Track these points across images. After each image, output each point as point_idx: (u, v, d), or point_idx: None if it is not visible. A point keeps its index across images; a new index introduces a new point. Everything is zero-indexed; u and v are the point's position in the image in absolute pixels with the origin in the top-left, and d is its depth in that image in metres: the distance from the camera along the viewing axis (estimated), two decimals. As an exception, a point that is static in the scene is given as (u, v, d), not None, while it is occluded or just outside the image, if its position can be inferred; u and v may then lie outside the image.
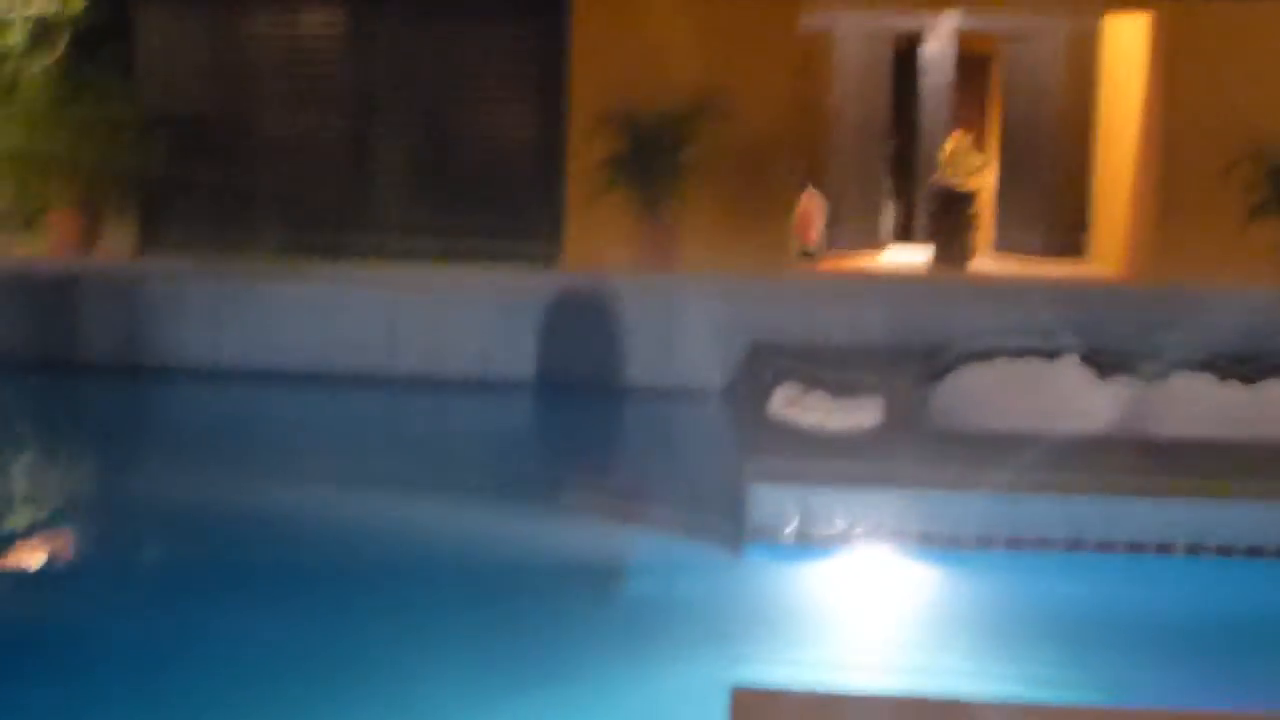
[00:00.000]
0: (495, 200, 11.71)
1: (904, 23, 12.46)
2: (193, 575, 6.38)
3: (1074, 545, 6.41)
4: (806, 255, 11.64)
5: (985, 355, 7.66)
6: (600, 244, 11.03)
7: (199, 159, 11.72)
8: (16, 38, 11.09)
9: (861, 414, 7.02)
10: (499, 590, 6.08)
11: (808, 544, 6.45)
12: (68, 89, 11.69)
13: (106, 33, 12.00)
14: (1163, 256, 10.85)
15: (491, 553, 6.50)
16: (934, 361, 8.01)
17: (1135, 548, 6.42)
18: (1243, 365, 7.83)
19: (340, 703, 5.04)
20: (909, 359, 8.57)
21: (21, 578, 6.45)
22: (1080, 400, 7.24)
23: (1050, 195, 12.41)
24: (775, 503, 6.46)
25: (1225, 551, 6.42)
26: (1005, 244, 12.46)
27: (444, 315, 9.78)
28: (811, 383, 7.31)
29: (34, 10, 10.67)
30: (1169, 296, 9.81)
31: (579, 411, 9.66)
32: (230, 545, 6.74)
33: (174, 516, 7.22)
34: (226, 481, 7.72)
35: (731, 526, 6.59)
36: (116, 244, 11.82)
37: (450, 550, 6.54)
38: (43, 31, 11.26)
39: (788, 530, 6.44)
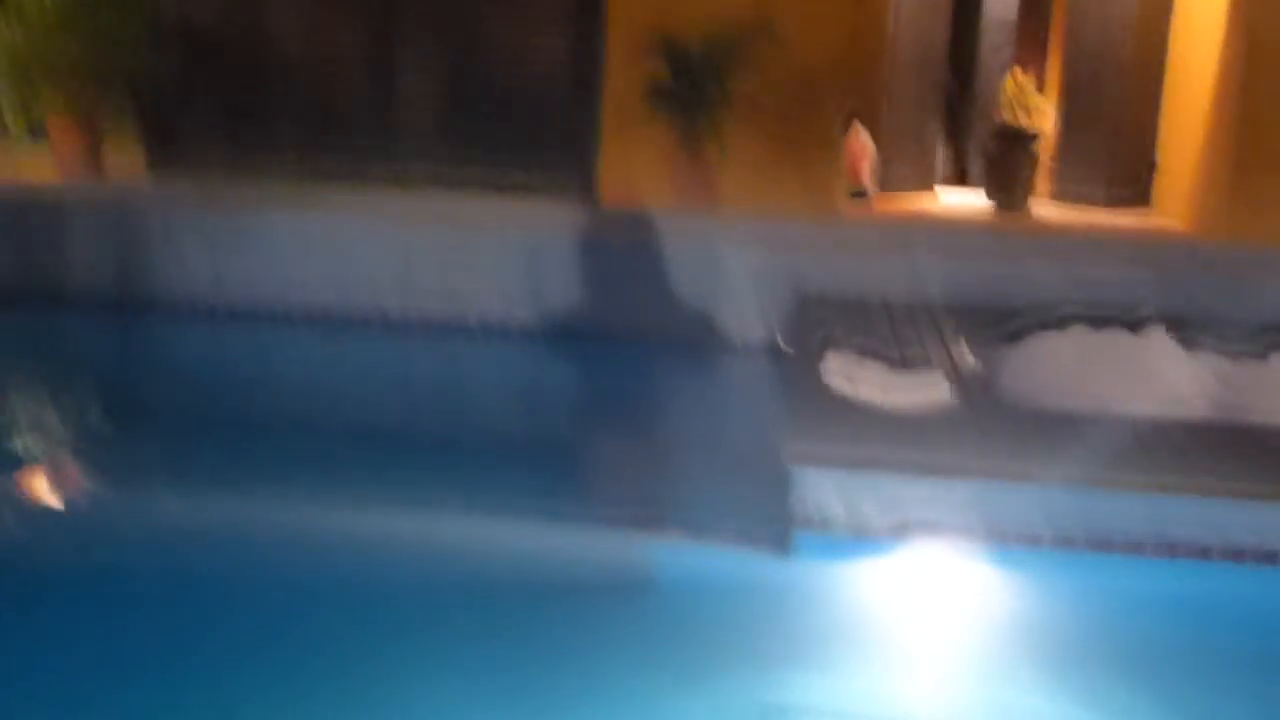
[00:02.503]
0: (524, 128, 10.75)
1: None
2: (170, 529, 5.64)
3: (1167, 549, 5.52)
4: (856, 196, 10.70)
5: (1060, 323, 6.70)
6: (636, 178, 10.15)
7: (211, 73, 10.76)
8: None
9: (924, 390, 6.08)
10: (503, 587, 5.15)
11: (863, 537, 5.56)
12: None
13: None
14: (1236, 209, 9.88)
15: (490, 538, 5.59)
16: (1002, 328, 7.06)
17: (1235, 554, 5.52)
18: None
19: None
20: (971, 319, 7.63)
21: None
22: (1167, 378, 6.29)
23: (1115, 141, 11.35)
24: (826, 490, 5.56)
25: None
26: (1065, 193, 11.45)
27: (463, 252, 8.85)
28: (867, 352, 6.37)
29: None
30: (1254, 258, 8.82)
31: (603, 365, 8.70)
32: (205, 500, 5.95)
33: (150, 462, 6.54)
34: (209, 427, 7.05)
35: (776, 514, 5.69)
36: (122, 163, 10.98)
37: (447, 533, 5.62)
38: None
39: (840, 521, 5.56)
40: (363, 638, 4.70)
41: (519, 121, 10.75)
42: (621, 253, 8.92)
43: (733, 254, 8.77)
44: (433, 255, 8.87)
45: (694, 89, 9.88)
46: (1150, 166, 11.52)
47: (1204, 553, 5.51)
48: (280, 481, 6.20)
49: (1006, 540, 5.53)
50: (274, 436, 7.08)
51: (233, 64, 10.89)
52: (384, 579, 5.15)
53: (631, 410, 8.13)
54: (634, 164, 10.17)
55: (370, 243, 8.93)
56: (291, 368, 8.49)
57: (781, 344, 8.35)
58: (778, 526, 5.59)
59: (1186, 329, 6.75)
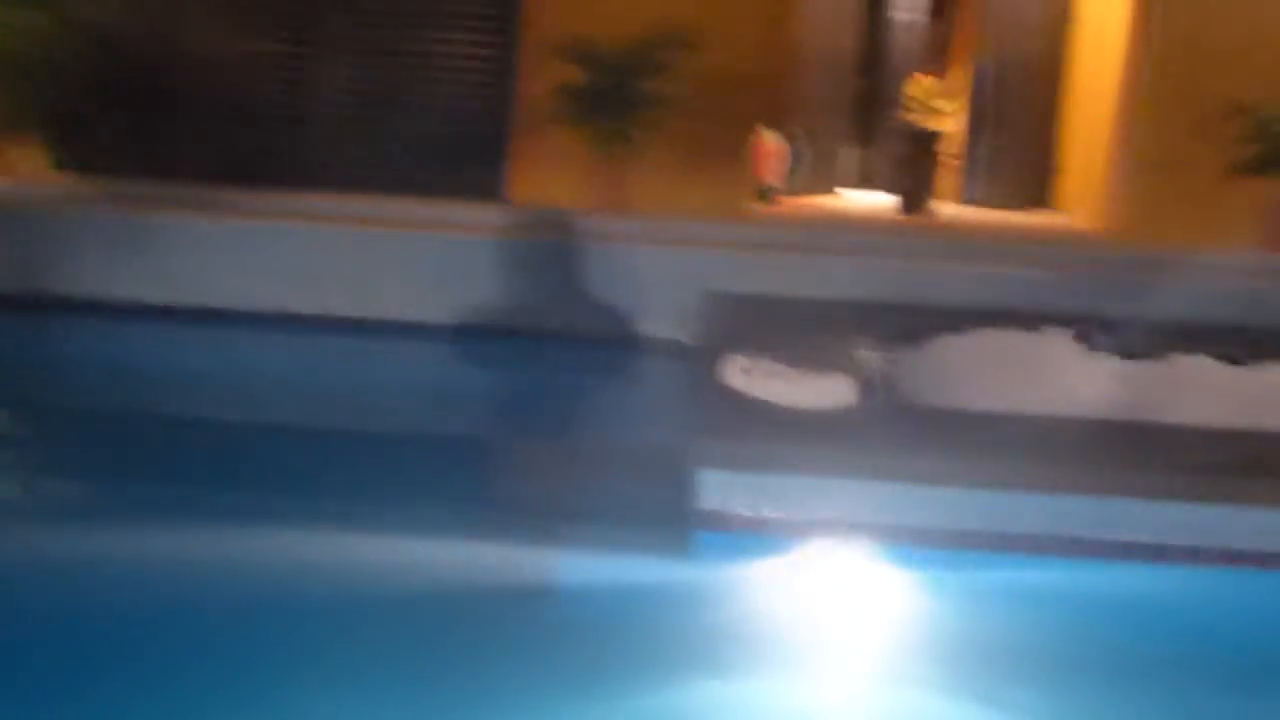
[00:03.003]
0: (437, 129, 10.52)
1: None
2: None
3: (1062, 546, 5.43)
4: (764, 196, 10.58)
5: (964, 324, 6.59)
6: (548, 180, 9.97)
7: (120, 75, 10.35)
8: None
9: (826, 390, 5.94)
10: (399, 592, 4.91)
11: (764, 536, 5.41)
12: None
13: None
14: (1136, 211, 9.89)
15: (387, 542, 5.37)
16: (906, 328, 6.94)
17: (1129, 550, 5.44)
18: (1235, 341, 6.85)
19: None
20: (877, 319, 7.52)
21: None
22: (1069, 379, 6.20)
23: (1019, 144, 11.36)
24: (728, 490, 5.40)
25: (1232, 558, 5.45)
26: (971, 194, 11.42)
27: (373, 251, 8.61)
28: (770, 351, 6.22)
29: None
30: (1153, 258, 8.79)
31: (511, 364, 8.50)
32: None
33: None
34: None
35: (678, 513, 5.52)
36: (27, 165, 10.59)
37: (342, 537, 5.37)
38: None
39: (741, 521, 5.41)
40: (255, 646, 4.47)
41: (432, 123, 10.51)
42: (533, 252, 8.72)
43: (643, 254, 8.60)
44: (342, 254, 8.62)
45: (607, 92, 9.72)
46: (1053, 169, 11.52)
47: (1100, 550, 5.43)
48: (175, 482, 5.96)
49: (907, 539, 5.42)
50: (171, 436, 6.80)
51: (144, 64, 10.50)
52: (277, 584, 4.92)
53: (536, 410, 7.95)
54: (547, 165, 9.98)
55: (279, 242, 8.68)
56: (193, 367, 8.20)
57: (689, 343, 8.19)
58: (680, 526, 5.43)
59: (1087, 329, 6.66)
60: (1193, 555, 5.42)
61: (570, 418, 7.82)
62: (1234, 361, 6.43)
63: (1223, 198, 9.37)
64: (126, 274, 8.65)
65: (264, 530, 5.38)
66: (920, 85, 11.12)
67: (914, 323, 7.09)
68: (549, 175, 9.92)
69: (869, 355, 6.78)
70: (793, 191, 10.95)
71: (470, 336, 8.60)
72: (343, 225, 8.85)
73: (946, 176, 11.37)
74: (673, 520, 5.48)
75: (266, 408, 7.50)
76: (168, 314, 8.60)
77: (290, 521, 5.52)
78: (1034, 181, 11.45)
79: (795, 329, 7.27)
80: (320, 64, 10.63)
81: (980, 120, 11.59)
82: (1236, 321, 7.86)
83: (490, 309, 8.58)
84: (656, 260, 8.56)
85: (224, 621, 4.62)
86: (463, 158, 10.48)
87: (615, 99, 9.73)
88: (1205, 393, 6.13)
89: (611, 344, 8.50)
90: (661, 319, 8.42)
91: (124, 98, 10.44)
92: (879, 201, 11.24)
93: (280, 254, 8.65)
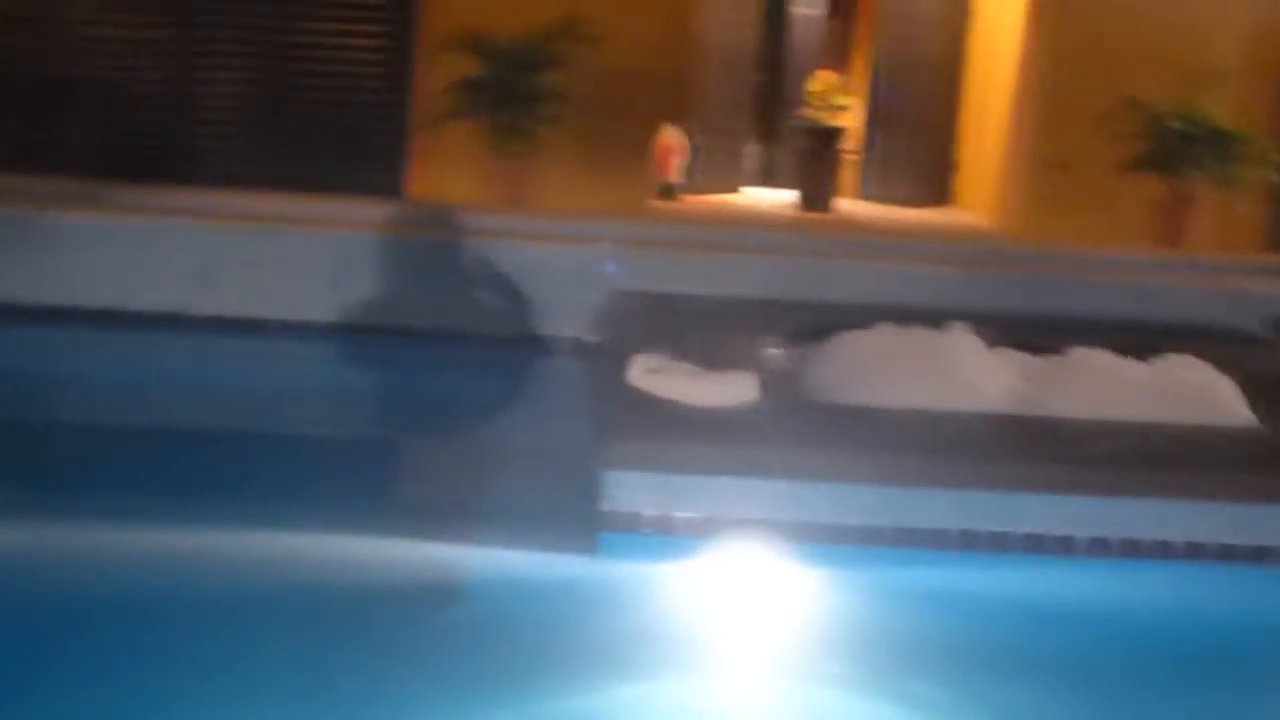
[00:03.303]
0: (331, 124, 10.34)
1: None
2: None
3: (967, 541, 5.45)
4: (665, 192, 10.55)
5: (866, 322, 6.59)
6: (447, 176, 9.85)
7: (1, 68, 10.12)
8: None
9: (731, 388, 5.91)
10: (301, 597, 4.80)
11: (670, 536, 5.37)
12: None
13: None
14: (1033, 207, 10.01)
15: (286, 547, 5.22)
16: (810, 326, 6.93)
17: (1033, 544, 5.48)
18: (1131, 335, 6.94)
19: None
20: (780, 317, 7.51)
21: None
22: (971, 375, 6.21)
23: (918, 141, 11.43)
24: (634, 490, 5.35)
25: (1131, 549, 5.50)
26: (872, 191, 11.48)
27: (267, 250, 8.41)
28: (674, 350, 6.17)
29: None
30: (1051, 254, 8.91)
31: (410, 364, 8.32)
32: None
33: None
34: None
35: (582, 515, 5.45)
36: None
37: (240, 543, 5.23)
38: None
39: (646, 521, 5.35)
40: (148, 652, 4.34)
41: (326, 117, 10.32)
42: (430, 250, 8.59)
43: (543, 251, 8.51)
44: (233, 253, 8.40)
45: (506, 86, 9.62)
46: (951, 165, 11.61)
47: (1005, 544, 5.46)
48: (59, 489, 5.76)
49: (814, 536, 5.40)
50: (56, 441, 6.57)
51: (27, 58, 10.22)
52: (179, 591, 4.78)
53: (437, 411, 7.78)
54: (446, 161, 9.86)
55: (167, 240, 8.42)
56: (79, 369, 7.91)
57: (591, 342, 8.13)
58: (583, 528, 5.36)
59: (989, 325, 6.69)
60: (1096, 547, 5.49)
61: (473, 418, 7.69)
62: (1131, 355, 6.50)
63: (1117, 194, 9.52)
64: (10, 273, 8.37)
65: (159, 534, 5.23)
66: (821, 81, 11.15)
67: (817, 320, 7.08)
68: (448, 171, 9.80)
69: (773, 353, 6.77)
70: (694, 189, 10.93)
71: (369, 337, 8.42)
72: (234, 223, 8.62)
73: (846, 173, 11.42)
74: (577, 521, 5.41)
75: (158, 410, 7.24)
76: (53, 314, 8.26)
77: (186, 525, 5.36)
78: (933, 178, 11.53)
79: (699, 327, 7.24)
80: (213, 58, 10.40)
81: (879, 117, 11.65)
82: (1133, 315, 7.98)
83: (389, 309, 8.43)
84: (558, 258, 8.47)
85: (119, 627, 4.48)
86: (359, 153, 10.32)
87: (514, 93, 9.63)
88: (1105, 386, 6.19)
89: (514, 344, 8.39)
90: (564, 318, 8.33)
91: (4, 92, 10.15)
92: (781, 198, 11.25)
93: (170, 252, 8.37)
